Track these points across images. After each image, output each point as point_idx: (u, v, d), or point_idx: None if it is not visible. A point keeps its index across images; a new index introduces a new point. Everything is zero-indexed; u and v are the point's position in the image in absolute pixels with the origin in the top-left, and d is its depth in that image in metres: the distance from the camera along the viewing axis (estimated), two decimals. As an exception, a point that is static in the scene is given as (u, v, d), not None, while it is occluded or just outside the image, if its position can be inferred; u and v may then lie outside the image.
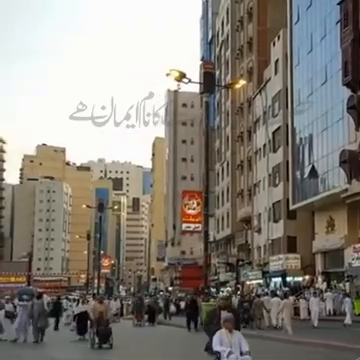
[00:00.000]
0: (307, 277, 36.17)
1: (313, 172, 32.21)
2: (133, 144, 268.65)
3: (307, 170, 33.58)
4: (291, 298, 27.05)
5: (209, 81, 20.35)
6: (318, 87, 31.54)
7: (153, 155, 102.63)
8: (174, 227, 74.79)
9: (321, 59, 31.28)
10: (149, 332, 21.43)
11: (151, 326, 23.89)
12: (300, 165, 34.84)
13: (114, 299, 31.45)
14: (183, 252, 73.45)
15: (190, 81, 22.16)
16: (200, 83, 20.22)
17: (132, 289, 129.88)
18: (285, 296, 24.58)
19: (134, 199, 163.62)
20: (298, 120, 34.88)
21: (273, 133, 39.88)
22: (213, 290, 57.82)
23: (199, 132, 70.73)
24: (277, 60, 39.40)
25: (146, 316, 24.34)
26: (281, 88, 38.20)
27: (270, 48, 41.67)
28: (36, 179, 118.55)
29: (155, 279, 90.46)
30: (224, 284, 53.08)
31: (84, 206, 65.11)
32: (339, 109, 28.79)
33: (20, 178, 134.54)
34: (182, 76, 20.41)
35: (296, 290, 35.15)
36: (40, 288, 66.37)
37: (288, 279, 36.89)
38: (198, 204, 21.23)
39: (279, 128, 38.65)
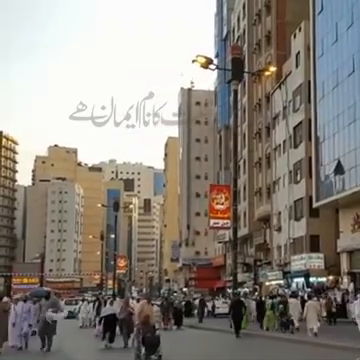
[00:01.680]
0: (331, 277, 34.76)
1: (339, 168, 30.78)
2: (144, 145, 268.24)
3: (331, 166, 32.16)
4: (315, 299, 25.96)
5: (238, 67, 19.22)
6: (344, 78, 30.15)
7: (166, 155, 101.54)
8: (188, 227, 73.66)
9: (348, 49, 29.90)
10: (187, 338, 18.62)
11: (179, 330, 21.61)
12: (324, 161, 33.44)
13: (136, 300, 28.27)
14: (197, 252, 72.30)
15: (218, 67, 21.07)
16: (228, 70, 19.10)
17: (144, 290, 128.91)
18: (309, 298, 23.47)
19: (145, 200, 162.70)
20: (322, 114, 33.48)
21: (294, 128, 38.52)
22: (229, 291, 56.75)
23: (213, 130, 69.57)
24: (298, 52, 38.06)
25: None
26: (303, 81, 36.85)
27: (290, 41, 40.37)
28: (48, 180, 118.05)
29: (168, 280, 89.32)
30: (241, 285, 51.61)
31: (99, 205, 64.05)
32: (368, 100, 27.42)
33: (32, 179, 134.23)
34: (209, 62, 19.31)
35: (320, 291, 33.75)
36: (53, 289, 65.72)
37: (311, 279, 35.46)
38: (226, 199, 20.05)
39: (301, 123, 37.29)
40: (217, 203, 20.11)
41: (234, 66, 19.12)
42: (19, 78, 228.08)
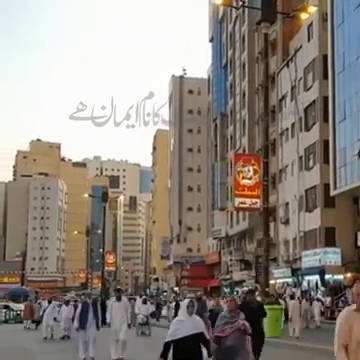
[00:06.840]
0: (349, 275, 30.98)
1: (365, 149, 26.96)
2: (130, 141, 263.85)
3: (354, 148, 28.32)
4: (328, 299, 22.65)
5: (269, 5, 15.22)
6: (372, 46, 26.38)
7: (154, 148, 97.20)
8: (180, 223, 69.52)
9: (376, 11, 26.12)
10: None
11: None
12: (343, 143, 29.61)
13: (143, 301, 20.35)
14: (189, 249, 68.29)
15: (243, 5, 17.01)
16: (257, 8, 15.11)
17: (129, 290, 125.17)
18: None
19: (131, 198, 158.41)
20: (340, 90, 29.64)
21: (305, 109, 34.66)
22: (226, 290, 52.80)
23: (207, 120, 65.56)
24: (311, 24, 34.19)
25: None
26: (316, 55, 33.02)
27: (298, 15, 36.50)
28: (30, 176, 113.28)
29: (157, 279, 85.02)
30: (239, 284, 47.75)
31: (86, 195, 59.42)
32: None
33: (13, 175, 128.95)
34: (232, -1, 15.23)
35: (336, 291, 30.03)
36: (34, 288, 61.34)
37: (327, 277, 31.62)
38: (255, 172, 16.07)
39: (314, 102, 33.42)
40: (243, 177, 16.11)
41: (264, 4, 15.05)
42: (17, 74, 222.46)
